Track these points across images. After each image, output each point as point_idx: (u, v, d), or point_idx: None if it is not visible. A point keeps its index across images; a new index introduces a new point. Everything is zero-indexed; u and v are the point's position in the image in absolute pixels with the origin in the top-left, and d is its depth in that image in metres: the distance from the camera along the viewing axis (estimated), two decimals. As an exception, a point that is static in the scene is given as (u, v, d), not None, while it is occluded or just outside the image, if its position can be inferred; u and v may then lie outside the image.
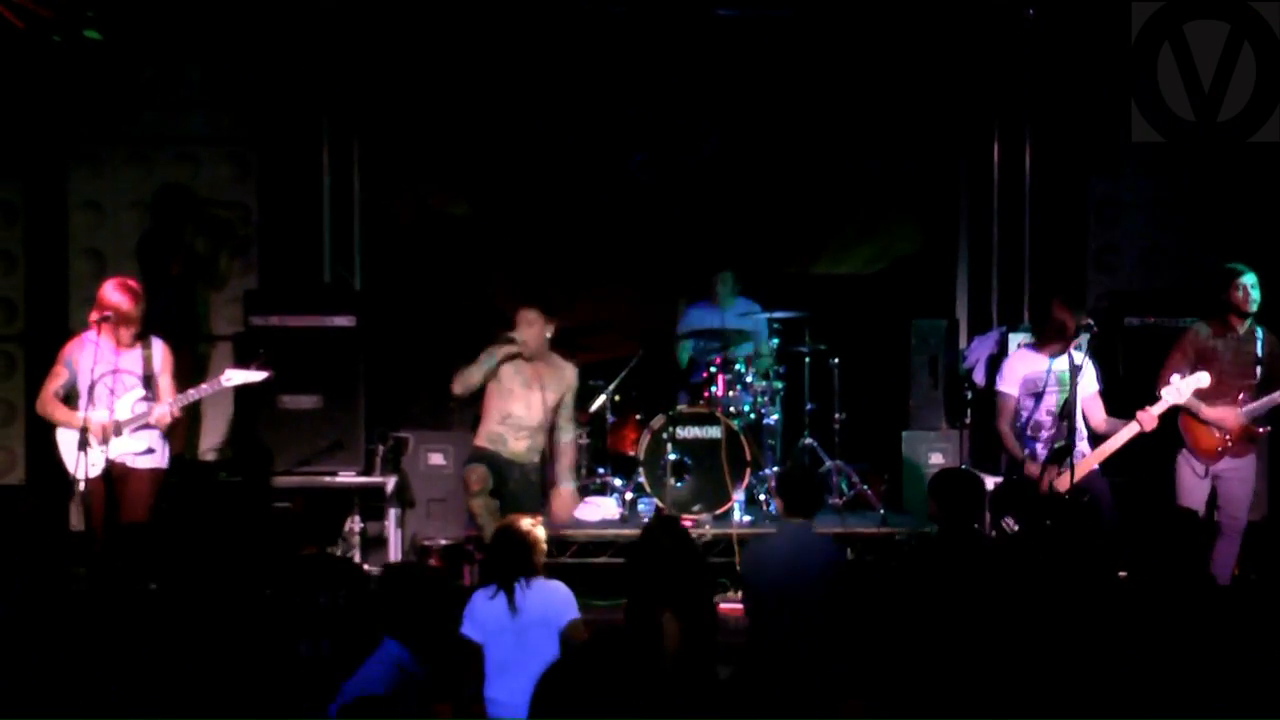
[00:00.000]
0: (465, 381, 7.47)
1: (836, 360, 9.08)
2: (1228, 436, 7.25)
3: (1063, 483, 6.89)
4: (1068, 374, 7.21)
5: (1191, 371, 7.19)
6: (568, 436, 7.64)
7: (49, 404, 7.07)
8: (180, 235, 8.84)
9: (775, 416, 8.93)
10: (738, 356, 8.93)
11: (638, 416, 8.99)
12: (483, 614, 5.57)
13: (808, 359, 9.09)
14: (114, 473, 6.95)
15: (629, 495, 8.65)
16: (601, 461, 9.09)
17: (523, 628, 5.54)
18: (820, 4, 9.24)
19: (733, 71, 9.75)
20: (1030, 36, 9.14)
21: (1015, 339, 8.60)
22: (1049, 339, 7.38)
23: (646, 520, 7.74)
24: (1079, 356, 7.23)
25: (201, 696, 4.93)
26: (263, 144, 9.13)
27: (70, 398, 7.08)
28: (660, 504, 8.33)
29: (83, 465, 6.72)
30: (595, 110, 9.91)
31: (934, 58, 9.57)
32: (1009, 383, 7.47)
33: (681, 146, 10.07)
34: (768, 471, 8.71)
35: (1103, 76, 9.01)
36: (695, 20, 9.40)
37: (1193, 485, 7.31)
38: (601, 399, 9.00)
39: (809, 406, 9.10)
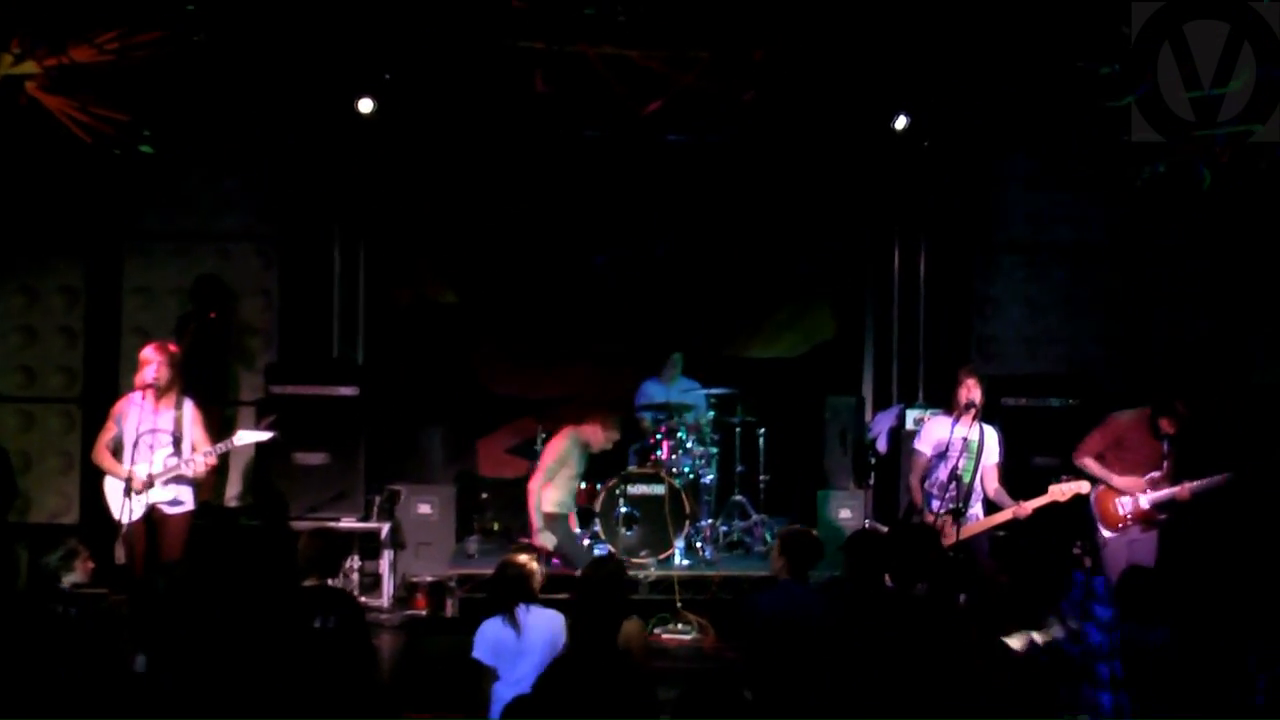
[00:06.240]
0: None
1: (763, 430, 9.89)
2: (1128, 516, 7.41)
3: (948, 538, 7.18)
4: (975, 443, 7.40)
5: (1107, 450, 7.44)
6: None
7: (101, 454, 7.59)
8: (212, 317, 9.50)
9: (711, 477, 9.75)
10: (680, 426, 9.71)
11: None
12: (492, 638, 5.75)
13: (738, 429, 9.95)
14: (153, 517, 7.50)
15: (587, 542, 9.24)
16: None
17: (527, 649, 5.70)
18: (752, 132, 9.89)
19: (680, 186, 10.54)
20: (927, 162, 10.15)
21: (911, 414, 9.35)
22: (955, 406, 7.50)
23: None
24: (988, 430, 7.45)
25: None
26: (284, 241, 9.84)
27: (117, 450, 7.55)
28: (613, 549, 8.99)
29: (126, 510, 7.25)
30: (564, 217, 10.65)
31: (846, 176, 10.42)
32: (924, 442, 7.66)
33: (636, 249, 10.87)
34: (704, 523, 9.54)
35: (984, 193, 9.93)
36: (649, 144, 10.23)
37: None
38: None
39: (739, 469, 9.97)
